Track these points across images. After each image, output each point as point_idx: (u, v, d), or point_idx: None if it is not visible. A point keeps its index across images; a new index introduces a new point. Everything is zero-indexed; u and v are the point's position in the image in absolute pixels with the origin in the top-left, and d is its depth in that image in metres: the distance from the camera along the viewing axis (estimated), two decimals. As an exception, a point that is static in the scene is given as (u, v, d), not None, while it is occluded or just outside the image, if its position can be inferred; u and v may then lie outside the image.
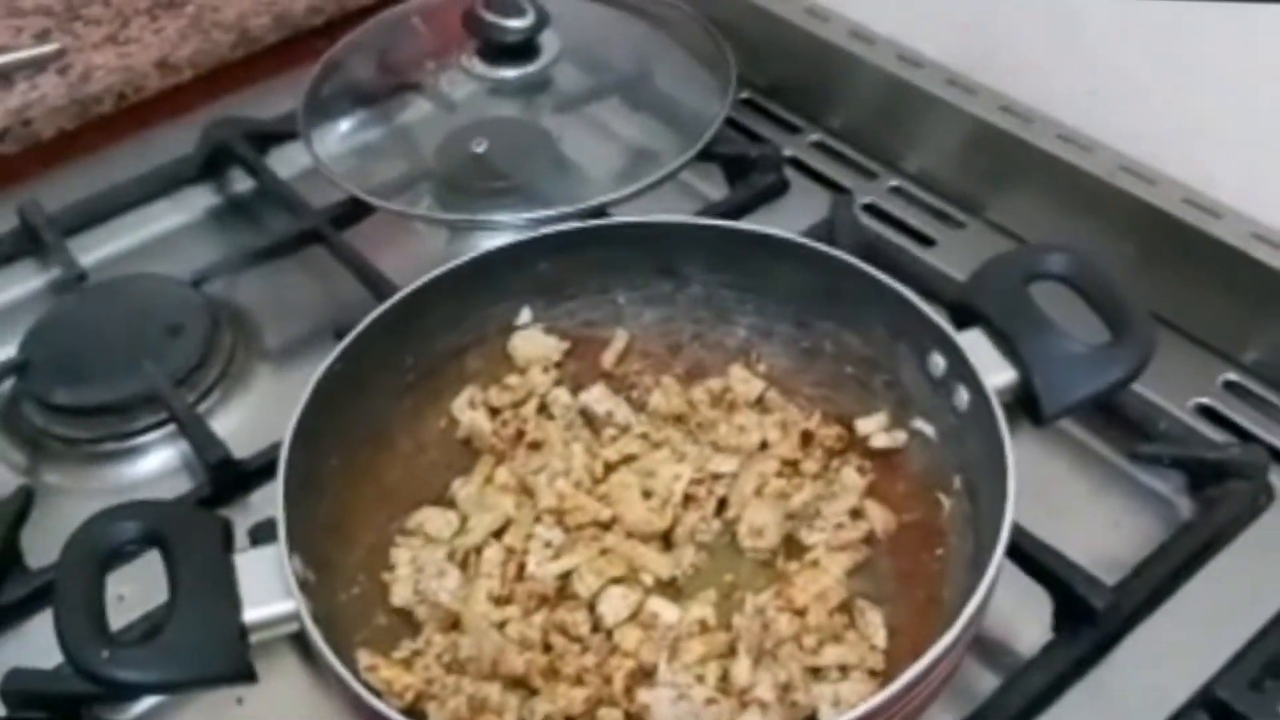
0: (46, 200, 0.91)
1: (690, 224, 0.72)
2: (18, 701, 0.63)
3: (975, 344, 0.61)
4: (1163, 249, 0.78)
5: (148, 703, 0.66)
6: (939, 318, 0.62)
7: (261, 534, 0.65)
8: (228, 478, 0.72)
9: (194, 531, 0.57)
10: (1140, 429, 0.72)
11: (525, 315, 0.72)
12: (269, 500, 0.59)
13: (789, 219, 0.88)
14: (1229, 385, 0.77)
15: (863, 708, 0.48)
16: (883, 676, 0.59)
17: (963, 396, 0.61)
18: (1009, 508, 0.53)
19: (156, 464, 0.78)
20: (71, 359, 0.80)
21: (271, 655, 0.58)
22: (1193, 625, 0.65)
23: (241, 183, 0.97)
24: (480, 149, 0.90)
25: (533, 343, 0.72)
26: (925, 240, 0.87)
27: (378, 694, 0.55)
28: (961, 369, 0.60)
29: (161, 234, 0.94)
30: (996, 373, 0.60)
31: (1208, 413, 0.75)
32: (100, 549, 0.56)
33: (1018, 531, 0.63)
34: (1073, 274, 0.63)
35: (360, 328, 0.66)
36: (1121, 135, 0.82)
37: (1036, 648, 0.64)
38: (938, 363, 0.63)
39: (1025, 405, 0.60)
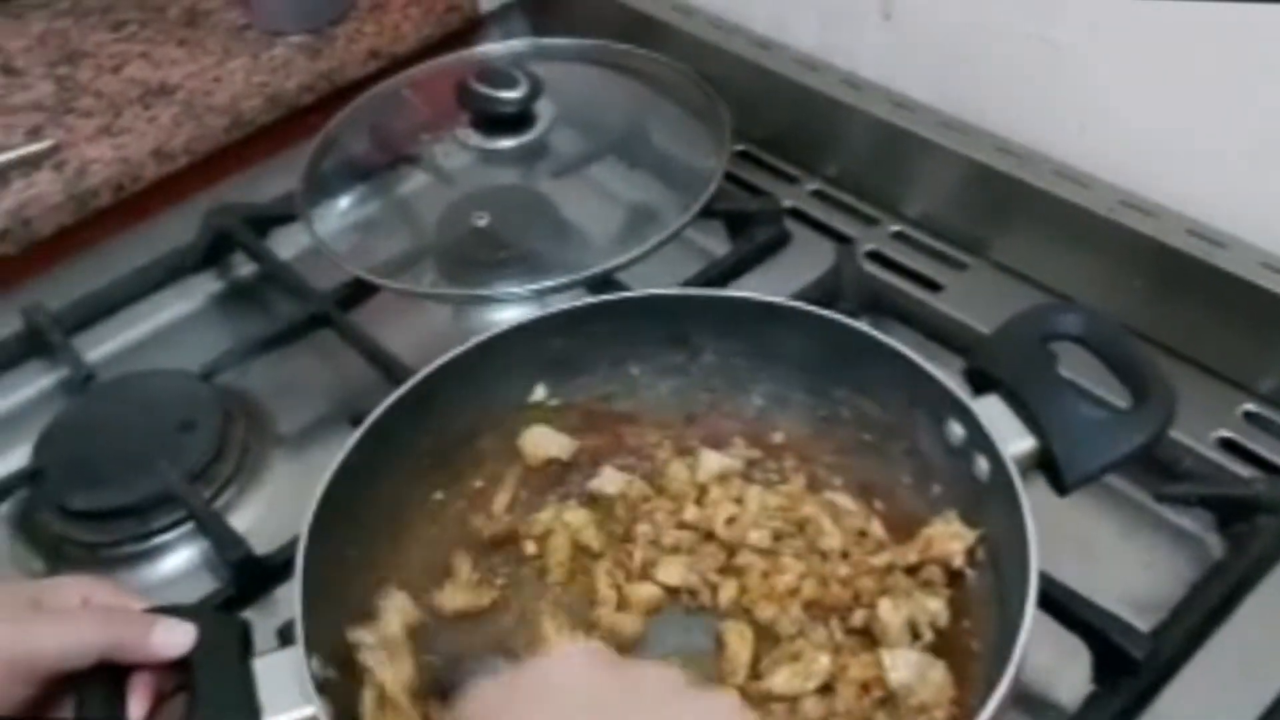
0: (49, 299, 0.91)
1: (699, 295, 0.72)
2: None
3: (992, 411, 0.60)
4: (1171, 282, 0.78)
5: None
6: (955, 385, 0.61)
7: (289, 633, 0.65)
8: (251, 576, 0.72)
9: (212, 637, 0.57)
10: (1165, 468, 0.72)
11: (540, 392, 0.72)
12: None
13: (793, 271, 0.88)
14: (1249, 416, 0.76)
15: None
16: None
17: (982, 466, 0.60)
18: (1033, 583, 0.52)
19: (177, 564, 0.77)
20: (85, 462, 0.80)
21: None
22: (1233, 667, 0.64)
23: (243, 267, 0.97)
24: (481, 221, 0.90)
25: (543, 442, 0.71)
26: (931, 285, 0.87)
27: None
28: (979, 438, 0.59)
29: (166, 325, 0.94)
30: (1015, 441, 0.59)
31: (1230, 445, 0.75)
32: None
33: (1051, 583, 0.63)
34: (1089, 335, 0.62)
35: (373, 418, 0.65)
36: (1116, 169, 0.82)
37: (1078, 699, 0.63)
38: (955, 431, 0.62)
39: (1046, 473, 0.60)
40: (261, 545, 0.73)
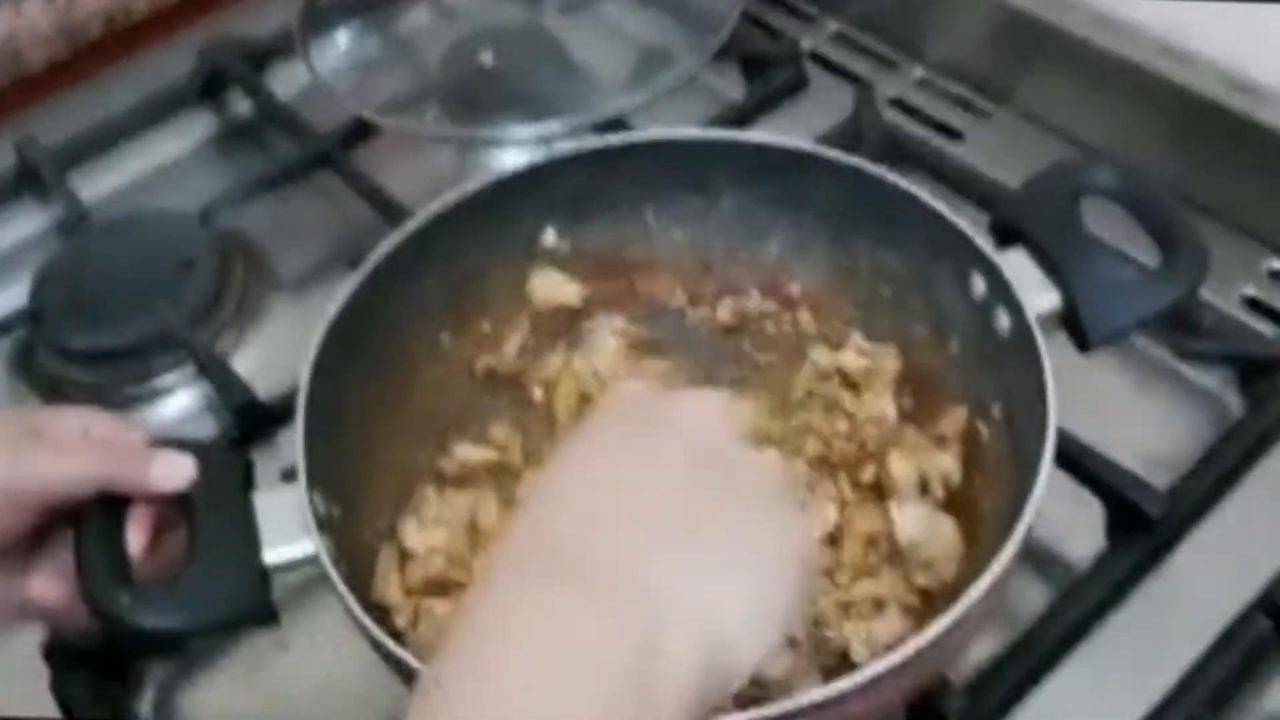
0: (42, 134, 0.89)
1: (721, 138, 0.68)
2: (62, 658, 0.62)
3: (1017, 265, 0.58)
4: (1202, 134, 0.76)
5: (193, 647, 0.65)
6: (980, 238, 0.59)
7: (292, 475, 0.64)
8: (254, 420, 0.71)
9: (213, 472, 0.55)
10: (1187, 324, 0.70)
11: (550, 235, 0.69)
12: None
13: (810, 117, 0.85)
14: (1274, 274, 0.74)
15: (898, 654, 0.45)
16: (918, 614, 0.57)
17: (1003, 321, 0.57)
18: (1049, 444, 0.50)
19: (179, 406, 0.76)
20: (84, 303, 0.78)
21: (313, 594, 0.59)
22: (1248, 526, 0.63)
23: (240, 105, 0.94)
24: (487, 59, 0.87)
25: (552, 288, 0.69)
26: (952, 133, 0.84)
27: (399, 636, 0.55)
28: (1002, 292, 0.57)
29: (162, 164, 0.91)
30: (1039, 296, 0.56)
31: (1254, 303, 0.73)
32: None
33: (1067, 439, 0.61)
34: (1123, 191, 0.59)
35: (379, 254, 0.63)
36: (1154, 16, 0.78)
37: (1088, 556, 0.63)
38: (978, 285, 0.59)
39: (1070, 330, 0.57)
40: (261, 387, 0.72)
